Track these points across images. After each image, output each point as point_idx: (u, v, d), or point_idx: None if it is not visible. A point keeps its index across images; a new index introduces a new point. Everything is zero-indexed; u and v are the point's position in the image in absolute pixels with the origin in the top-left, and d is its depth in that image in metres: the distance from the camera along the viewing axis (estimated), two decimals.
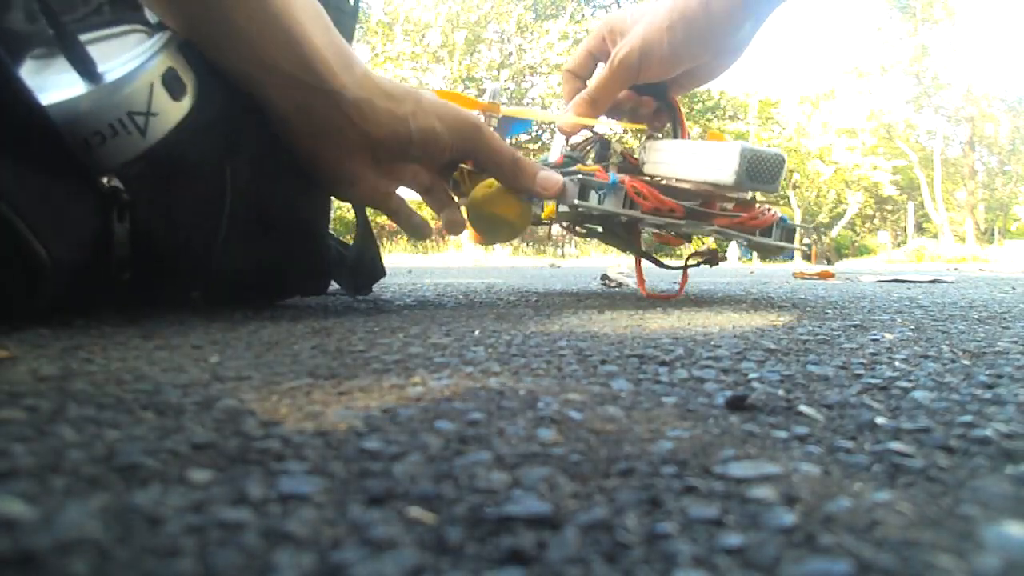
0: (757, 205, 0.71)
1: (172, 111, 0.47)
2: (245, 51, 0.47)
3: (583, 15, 11.81)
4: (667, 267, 0.86)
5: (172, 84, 0.47)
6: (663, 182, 0.69)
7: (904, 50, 14.41)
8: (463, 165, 0.63)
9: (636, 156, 0.76)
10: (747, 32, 0.63)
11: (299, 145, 0.53)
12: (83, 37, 0.48)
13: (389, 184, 0.58)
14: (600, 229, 0.83)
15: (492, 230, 0.64)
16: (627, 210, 0.65)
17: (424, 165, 0.58)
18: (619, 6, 12.11)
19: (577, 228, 0.88)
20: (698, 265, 0.84)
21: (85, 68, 0.45)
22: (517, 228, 0.63)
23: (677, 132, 0.76)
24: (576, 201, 0.63)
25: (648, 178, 0.70)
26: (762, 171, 0.63)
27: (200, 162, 0.49)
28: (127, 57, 0.47)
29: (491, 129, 0.59)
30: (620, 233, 0.80)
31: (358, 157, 0.54)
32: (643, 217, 0.65)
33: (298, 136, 0.52)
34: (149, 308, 0.55)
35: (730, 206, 0.71)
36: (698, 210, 0.67)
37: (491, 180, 0.62)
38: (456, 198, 0.63)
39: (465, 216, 0.64)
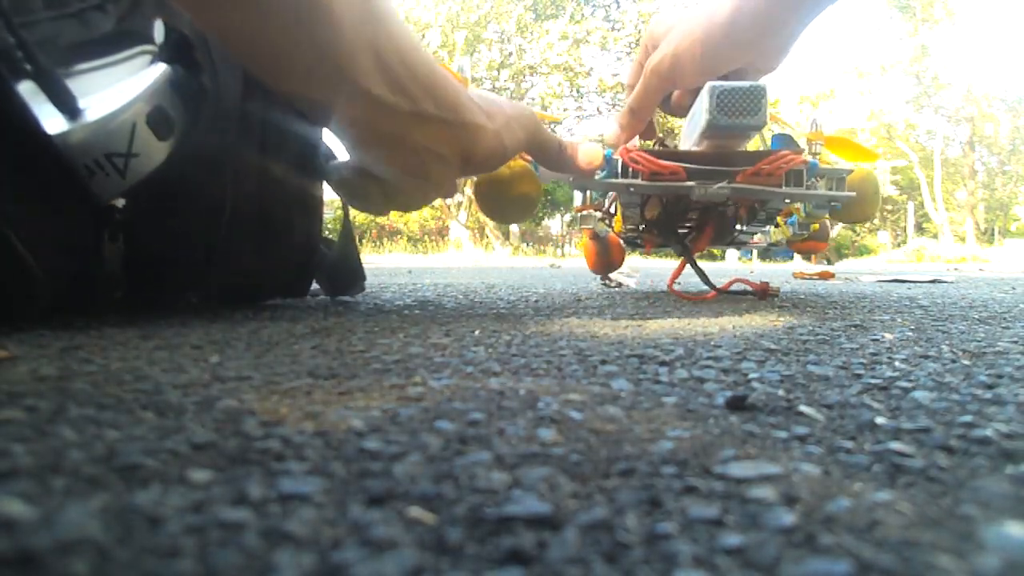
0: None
1: (157, 151, 0.45)
2: (327, 70, 0.41)
3: (583, 15, 11.81)
4: (712, 285, 0.82)
5: (158, 124, 0.45)
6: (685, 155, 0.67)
7: (904, 50, 14.41)
8: None
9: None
10: (791, 33, 0.61)
11: (392, 175, 0.48)
12: (85, 65, 0.47)
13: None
14: (659, 239, 0.83)
15: (514, 210, 0.63)
16: (628, 179, 0.64)
17: None
18: (619, 6, 12.11)
19: (638, 241, 0.88)
20: (744, 293, 0.83)
21: (64, 104, 0.42)
22: (536, 203, 0.63)
23: None
24: (572, 179, 0.63)
25: (657, 149, 0.69)
26: (738, 105, 0.61)
27: (201, 181, 0.49)
28: (113, 92, 0.45)
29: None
30: (677, 242, 0.80)
31: (451, 180, 0.51)
32: (646, 184, 0.64)
33: (390, 160, 0.47)
34: (149, 308, 0.55)
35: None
36: (705, 169, 0.64)
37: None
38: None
39: (478, 204, 0.63)
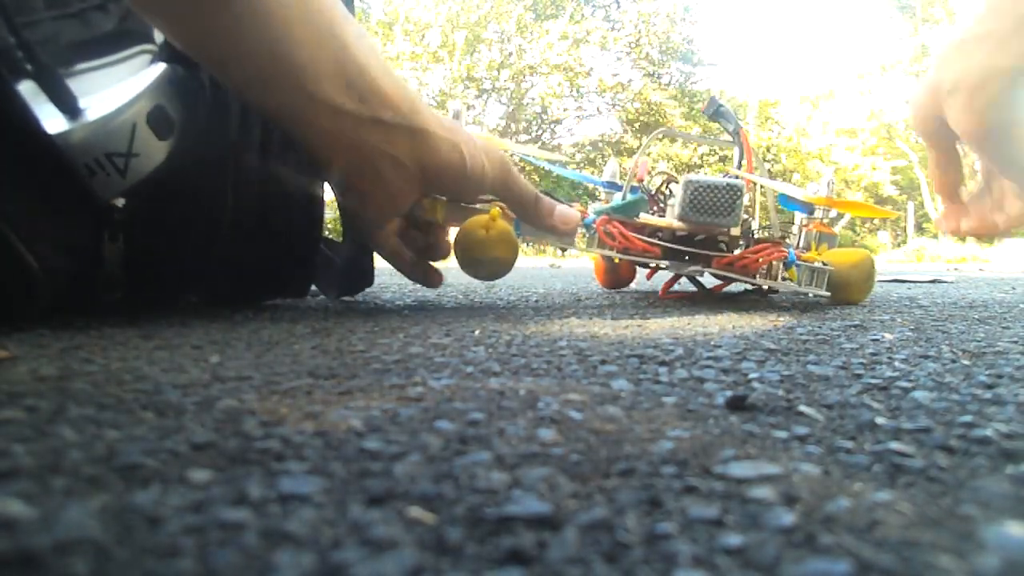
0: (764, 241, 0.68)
1: (157, 151, 0.45)
2: (289, 80, 0.43)
3: (583, 15, 11.81)
4: (705, 289, 0.83)
5: (159, 123, 0.45)
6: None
7: (904, 50, 14.41)
8: (437, 196, 0.60)
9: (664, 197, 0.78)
10: None
11: (348, 183, 0.49)
12: (85, 65, 0.47)
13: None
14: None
15: (489, 270, 0.63)
16: (603, 250, 0.65)
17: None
18: (619, 6, 12.12)
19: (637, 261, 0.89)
20: (745, 292, 0.84)
21: (64, 103, 0.42)
22: (510, 266, 0.64)
23: (741, 163, 0.75)
24: (557, 239, 0.64)
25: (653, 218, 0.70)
26: (710, 203, 0.62)
27: (202, 181, 0.49)
28: (113, 92, 0.45)
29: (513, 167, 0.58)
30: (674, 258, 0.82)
31: (412, 192, 0.51)
32: (623, 257, 0.66)
33: (349, 170, 0.48)
34: (149, 308, 0.55)
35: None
36: (681, 249, 0.66)
37: (482, 219, 0.60)
38: (423, 229, 0.62)
39: (455, 257, 0.64)
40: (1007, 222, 0.59)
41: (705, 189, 0.62)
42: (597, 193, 0.91)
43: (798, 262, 0.67)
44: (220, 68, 0.45)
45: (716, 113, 0.81)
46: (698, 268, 0.65)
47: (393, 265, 0.62)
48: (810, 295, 0.69)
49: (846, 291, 0.72)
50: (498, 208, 0.60)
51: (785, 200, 0.74)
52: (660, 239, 0.67)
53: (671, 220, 0.68)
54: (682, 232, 0.68)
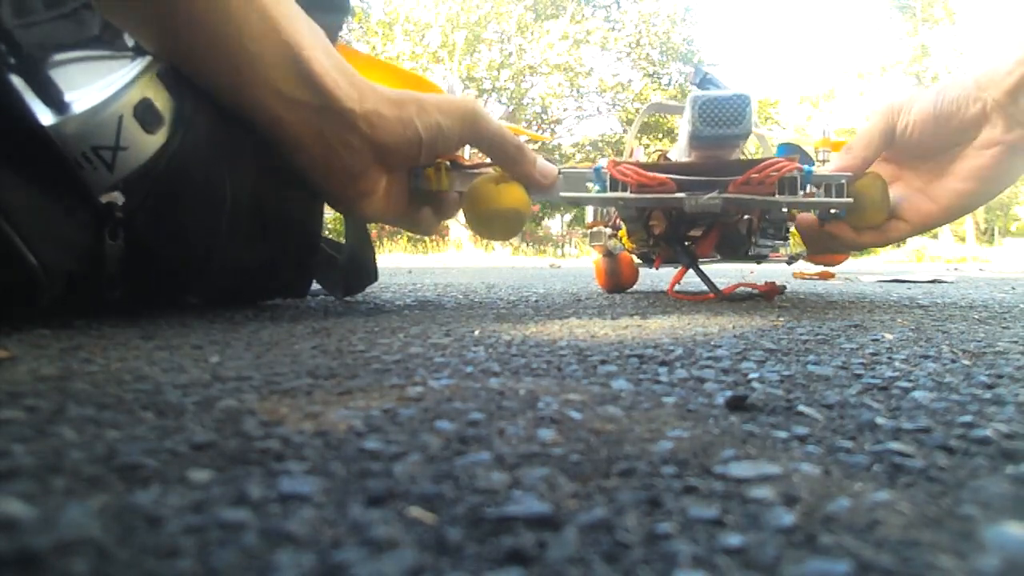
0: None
1: (144, 144, 0.45)
2: (245, 74, 0.46)
3: (583, 15, 11.81)
4: (717, 290, 0.81)
5: (146, 116, 0.45)
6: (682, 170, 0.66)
7: (904, 50, 14.41)
8: (439, 159, 0.60)
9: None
10: None
11: (310, 167, 0.51)
12: (69, 55, 0.47)
13: (402, 192, 0.58)
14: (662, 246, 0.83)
15: (501, 226, 0.62)
16: (617, 193, 0.63)
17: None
18: (619, 6, 12.12)
19: (651, 256, 0.88)
20: (751, 296, 0.83)
21: (49, 97, 0.42)
22: (525, 219, 0.62)
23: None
24: (563, 194, 0.63)
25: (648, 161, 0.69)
26: (721, 115, 0.60)
27: (201, 178, 0.49)
28: (99, 86, 0.44)
29: (486, 112, 0.58)
30: (684, 254, 0.80)
31: (373, 171, 0.53)
32: (636, 197, 0.63)
33: (308, 158, 0.51)
34: (149, 308, 0.55)
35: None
36: (695, 180, 0.62)
37: (489, 175, 0.60)
38: (427, 193, 0.62)
39: (464, 216, 0.63)
40: (878, 240, 0.69)
41: (713, 101, 0.61)
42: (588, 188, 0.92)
43: (814, 172, 0.63)
44: (190, 67, 0.47)
45: (704, 81, 0.81)
46: (715, 195, 0.61)
47: (392, 225, 0.63)
48: (831, 209, 0.65)
49: (863, 213, 0.66)
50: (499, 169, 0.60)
51: (785, 150, 0.73)
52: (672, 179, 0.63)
53: (679, 157, 0.67)
54: (693, 167, 0.64)
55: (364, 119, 0.49)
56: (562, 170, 0.63)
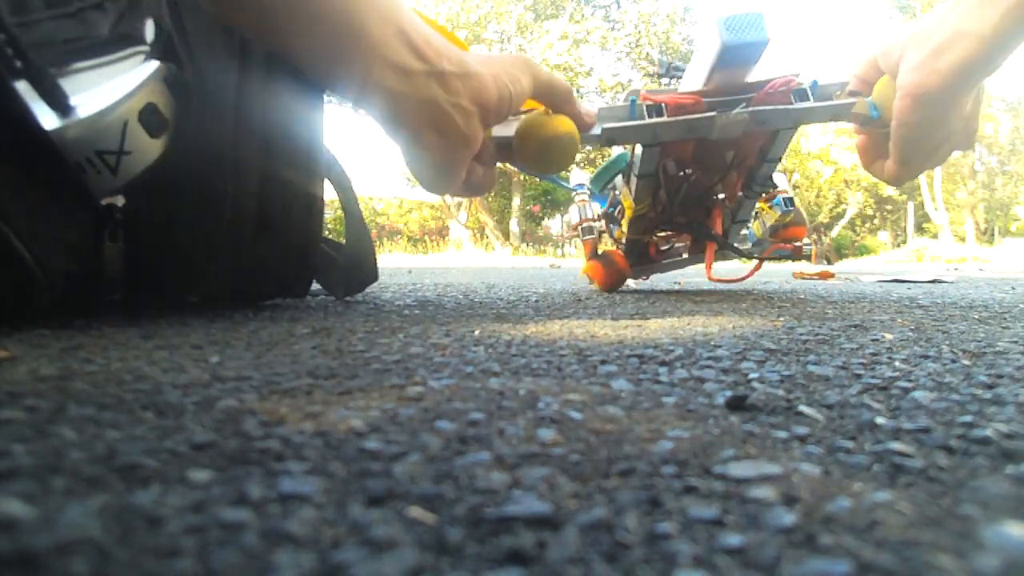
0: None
1: (149, 149, 0.45)
2: (366, 55, 0.45)
3: (583, 15, 11.81)
4: (745, 255, 0.87)
5: (151, 121, 0.45)
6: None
7: None
8: None
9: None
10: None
11: (431, 141, 0.51)
12: (86, 63, 0.47)
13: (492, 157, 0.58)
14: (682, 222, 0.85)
15: (559, 152, 0.62)
16: (655, 119, 0.68)
17: None
18: (619, 6, 12.11)
19: (644, 241, 0.90)
20: (779, 259, 0.87)
21: (55, 101, 0.42)
22: (577, 146, 0.63)
23: None
24: (604, 126, 0.66)
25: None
26: (745, 26, 0.66)
27: (202, 182, 0.49)
28: (105, 90, 0.45)
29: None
30: (698, 220, 0.83)
31: (480, 133, 0.53)
32: (672, 120, 0.67)
33: (429, 130, 0.50)
34: (149, 308, 0.55)
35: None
36: (722, 100, 0.69)
37: (536, 112, 0.61)
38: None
39: (518, 155, 0.64)
40: (887, 177, 0.70)
41: (736, 16, 0.66)
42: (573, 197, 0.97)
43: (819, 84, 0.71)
44: (282, 41, 0.46)
45: (670, 68, 0.85)
46: (743, 112, 0.67)
47: (467, 195, 0.63)
48: (841, 110, 0.70)
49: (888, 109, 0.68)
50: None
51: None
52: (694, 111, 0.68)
53: (696, 87, 0.71)
54: (715, 92, 0.70)
55: (464, 80, 0.50)
56: (600, 108, 0.67)
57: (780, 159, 0.79)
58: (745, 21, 0.66)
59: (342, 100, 0.50)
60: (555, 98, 0.60)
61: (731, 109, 0.68)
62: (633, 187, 0.81)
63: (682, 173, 0.82)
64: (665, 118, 0.68)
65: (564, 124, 0.61)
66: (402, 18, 0.47)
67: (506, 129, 0.62)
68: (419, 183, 0.56)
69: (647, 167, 0.77)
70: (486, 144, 0.59)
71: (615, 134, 0.67)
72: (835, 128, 14.29)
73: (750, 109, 0.67)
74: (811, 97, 0.69)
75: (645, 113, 0.68)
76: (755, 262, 0.92)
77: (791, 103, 0.69)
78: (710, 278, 0.85)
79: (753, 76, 0.71)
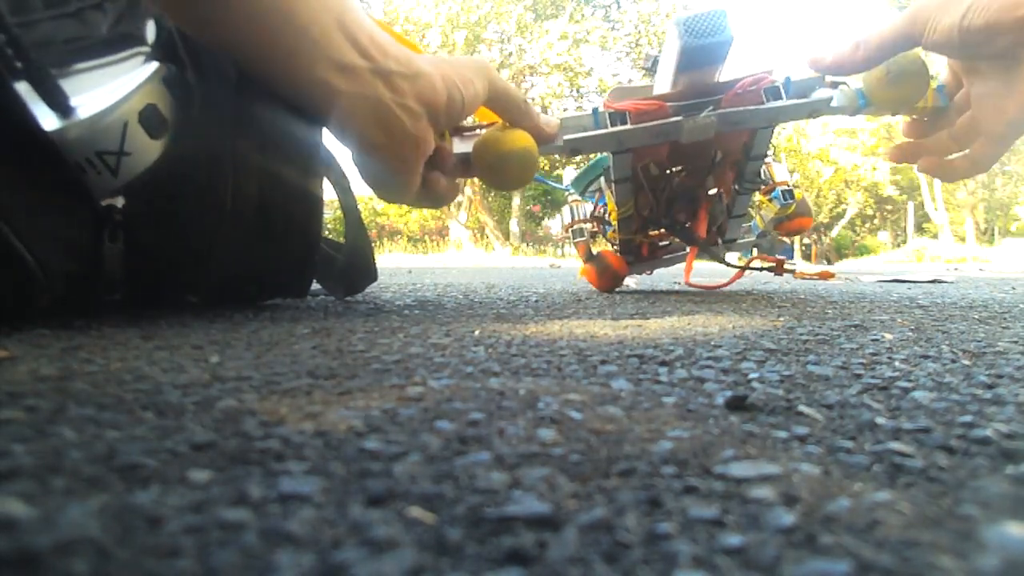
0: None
1: (149, 150, 0.45)
2: (303, 52, 0.44)
3: (583, 15, 11.81)
4: (728, 264, 0.86)
5: (151, 122, 0.45)
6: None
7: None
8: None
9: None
10: None
11: (376, 141, 0.49)
12: (87, 64, 0.47)
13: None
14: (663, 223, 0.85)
15: (518, 167, 0.61)
16: (618, 127, 0.66)
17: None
18: (619, 6, 12.11)
19: (638, 240, 0.90)
20: (761, 270, 0.86)
21: (55, 102, 0.42)
22: (537, 161, 0.62)
23: None
24: (566, 137, 0.64)
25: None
26: (707, 26, 0.64)
27: (201, 181, 0.49)
28: (105, 90, 0.45)
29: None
30: (678, 226, 0.83)
31: (430, 135, 0.51)
32: (635, 128, 0.66)
33: (374, 131, 0.48)
34: (149, 308, 0.55)
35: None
36: (688, 103, 0.67)
37: (495, 126, 0.60)
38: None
39: (477, 169, 0.63)
40: (969, 168, 0.64)
41: (695, 17, 0.65)
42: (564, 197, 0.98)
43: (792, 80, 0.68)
44: (222, 37, 0.45)
45: (655, 63, 0.84)
46: (710, 112, 0.65)
47: (422, 206, 0.61)
48: (817, 105, 0.68)
49: (897, 88, 0.65)
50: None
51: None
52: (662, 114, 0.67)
53: (664, 90, 0.70)
54: (682, 95, 0.68)
55: (411, 80, 0.48)
56: (562, 119, 0.65)
57: (764, 156, 0.78)
58: (706, 20, 0.64)
59: (285, 99, 0.49)
60: (510, 108, 0.59)
61: (699, 111, 0.66)
62: (614, 191, 0.81)
63: (669, 172, 0.81)
64: (628, 125, 0.66)
65: (520, 139, 0.60)
66: (346, 15, 0.45)
67: (464, 145, 0.61)
68: (372, 191, 0.55)
69: (621, 172, 0.77)
70: (447, 153, 0.58)
71: (578, 144, 0.66)
72: (835, 128, 14.29)
73: (719, 111, 0.66)
74: (784, 95, 0.67)
75: (608, 122, 0.67)
76: (736, 270, 0.91)
77: (763, 102, 0.67)
78: (687, 282, 0.84)
79: (727, 74, 0.69)
